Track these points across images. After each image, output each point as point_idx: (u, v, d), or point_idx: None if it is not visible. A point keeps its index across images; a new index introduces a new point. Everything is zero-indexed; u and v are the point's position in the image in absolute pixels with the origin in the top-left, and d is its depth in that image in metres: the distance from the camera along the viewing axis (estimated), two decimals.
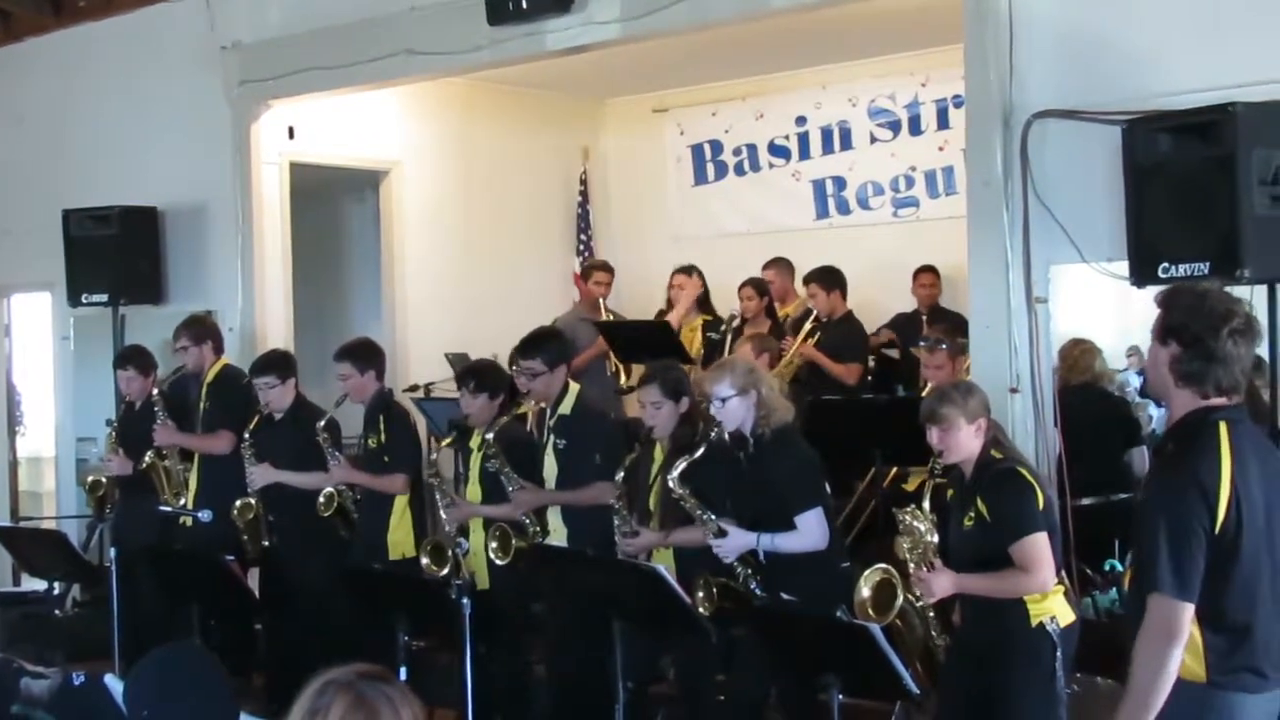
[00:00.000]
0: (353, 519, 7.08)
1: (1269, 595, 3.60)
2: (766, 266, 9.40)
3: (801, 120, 10.56)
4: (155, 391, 7.72)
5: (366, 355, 7.03)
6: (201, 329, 7.82)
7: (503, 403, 6.53)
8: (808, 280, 8.87)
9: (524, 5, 7.38)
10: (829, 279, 8.73)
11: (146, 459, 7.75)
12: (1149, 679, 3.50)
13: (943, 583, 4.82)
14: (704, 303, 9.23)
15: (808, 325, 8.57)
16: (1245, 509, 3.53)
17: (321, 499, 7.02)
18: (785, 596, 5.31)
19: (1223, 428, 3.58)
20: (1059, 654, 4.67)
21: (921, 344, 7.28)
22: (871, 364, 8.92)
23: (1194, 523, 3.49)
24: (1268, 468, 3.65)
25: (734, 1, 6.91)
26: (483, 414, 6.48)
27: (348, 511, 7.08)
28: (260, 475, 7.16)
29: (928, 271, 9.46)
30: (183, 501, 7.60)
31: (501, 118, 10.59)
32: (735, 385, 5.44)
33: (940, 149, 9.88)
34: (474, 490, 6.56)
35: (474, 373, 6.66)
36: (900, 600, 4.97)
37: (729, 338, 8.57)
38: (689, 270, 9.26)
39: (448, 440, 7.03)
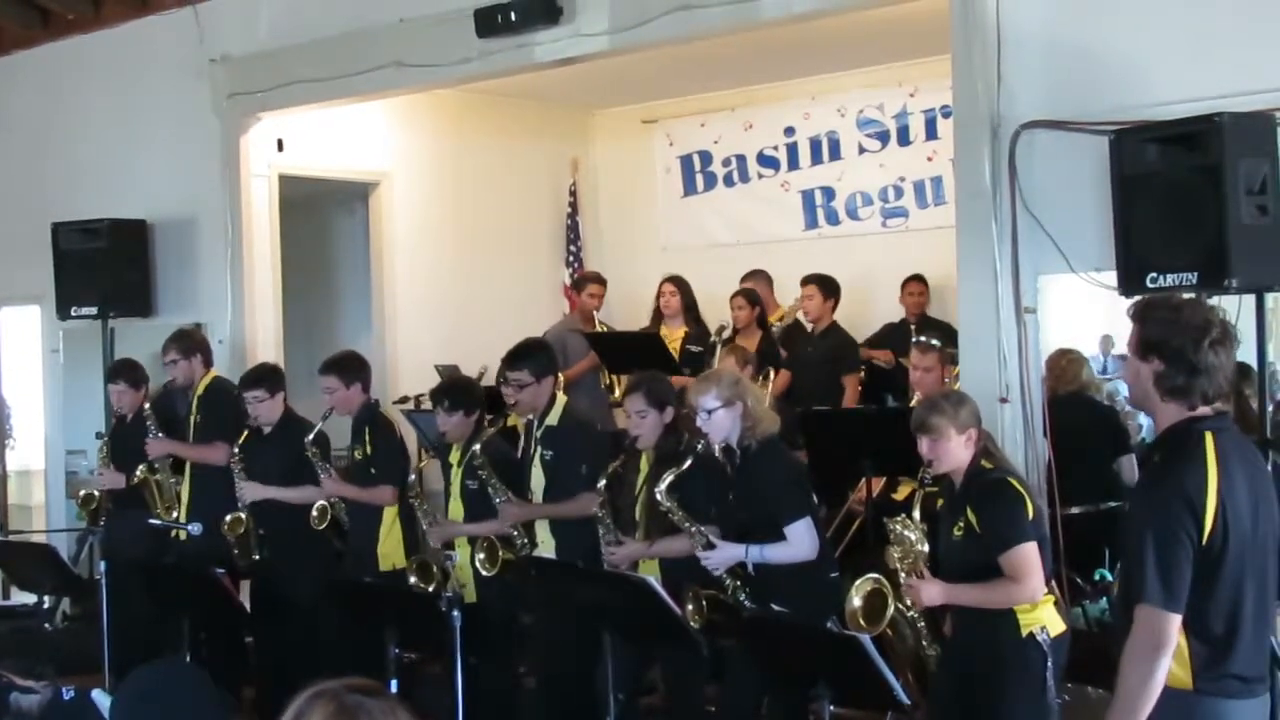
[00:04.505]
0: (346, 532, 7.07)
1: (1253, 602, 3.61)
2: (745, 279, 9.40)
3: (790, 131, 10.59)
4: (147, 405, 7.70)
5: (352, 368, 7.01)
6: (190, 342, 7.79)
7: (478, 418, 6.55)
8: (806, 281, 8.85)
9: (513, 17, 7.39)
10: (828, 285, 8.76)
11: (138, 473, 7.72)
12: (1136, 689, 3.50)
13: (932, 593, 4.82)
14: (690, 313, 9.21)
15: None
16: (1231, 518, 3.53)
17: (315, 512, 6.99)
18: (775, 608, 5.31)
19: (1209, 438, 3.58)
20: (1049, 664, 4.66)
21: (918, 340, 7.30)
22: (862, 374, 8.95)
23: (1180, 533, 3.49)
24: (1253, 476, 3.66)
25: (723, 13, 6.90)
26: (459, 431, 6.49)
27: (341, 524, 7.07)
28: (250, 491, 7.14)
29: (915, 280, 9.49)
30: (175, 515, 7.58)
31: (491, 129, 10.60)
32: (721, 397, 5.42)
33: (929, 159, 9.91)
34: (455, 507, 6.55)
35: (446, 391, 6.67)
36: (891, 610, 4.98)
37: (718, 348, 8.56)
38: (677, 280, 9.27)
39: (423, 462, 7.06)
